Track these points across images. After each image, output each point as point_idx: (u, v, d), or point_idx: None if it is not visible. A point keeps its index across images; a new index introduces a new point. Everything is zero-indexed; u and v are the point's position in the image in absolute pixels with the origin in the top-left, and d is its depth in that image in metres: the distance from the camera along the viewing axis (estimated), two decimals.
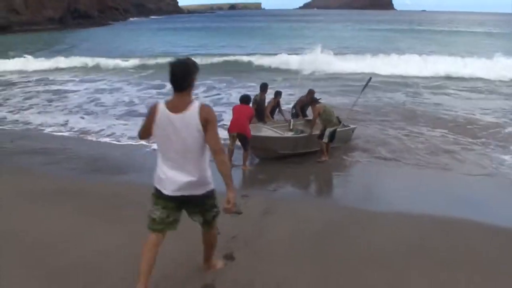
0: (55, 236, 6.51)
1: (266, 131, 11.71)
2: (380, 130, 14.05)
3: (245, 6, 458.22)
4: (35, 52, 39.99)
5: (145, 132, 4.59)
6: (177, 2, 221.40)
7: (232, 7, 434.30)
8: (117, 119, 16.19)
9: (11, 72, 30.12)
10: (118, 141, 13.14)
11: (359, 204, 8.43)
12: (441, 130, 14.05)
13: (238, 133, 10.62)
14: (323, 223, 7.30)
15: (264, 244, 6.34)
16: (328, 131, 11.06)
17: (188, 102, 4.28)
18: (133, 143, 12.60)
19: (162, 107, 4.32)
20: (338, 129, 11.47)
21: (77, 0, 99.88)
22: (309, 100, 12.50)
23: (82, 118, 16.47)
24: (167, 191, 4.48)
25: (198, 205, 4.75)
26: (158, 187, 4.58)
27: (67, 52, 38.90)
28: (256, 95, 12.62)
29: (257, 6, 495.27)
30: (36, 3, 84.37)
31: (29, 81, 26.40)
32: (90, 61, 33.46)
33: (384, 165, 10.88)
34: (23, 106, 18.86)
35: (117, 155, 11.70)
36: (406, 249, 6.41)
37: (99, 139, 13.44)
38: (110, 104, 19.06)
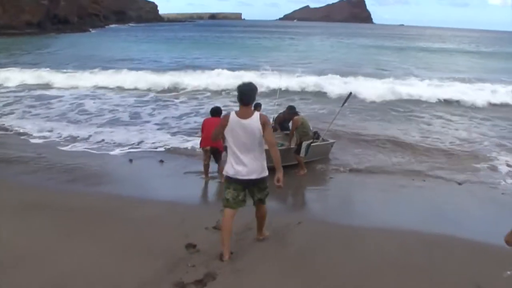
0: (26, 254, 6.26)
1: None
2: (359, 145, 14.00)
3: (225, 17, 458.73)
4: None
5: (219, 135, 6.55)
6: (158, 11, 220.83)
7: (213, 16, 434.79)
8: (98, 127, 15.88)
9: None
10: (96, 150, 12.83)
11: (341, 219, 8.36)
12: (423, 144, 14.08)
13: (211, 147, 10.35)
14: (305, 239, 7.19)
15: (247, 262, 6.19)
16: (304, 144, 10.97)
17: (251, 112, 6.07)
18: (110, 153, 12.39)
19: (233, 115, 6.08)
20: (317, 144, 11.49)
21: (56, 5, 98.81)
22: (288, 116, 12.15)
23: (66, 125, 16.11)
24: (238, 175, 6.12)
25: (257, 186, 6.30)
26: (230, 174, 6.19)
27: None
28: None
29: (237, 17, 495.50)
30: (14, 7, 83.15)
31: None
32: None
33: (363, 179, 10.83)
34: None
35: (93, 164, 11.39)
36: (391, 266, 6.32)
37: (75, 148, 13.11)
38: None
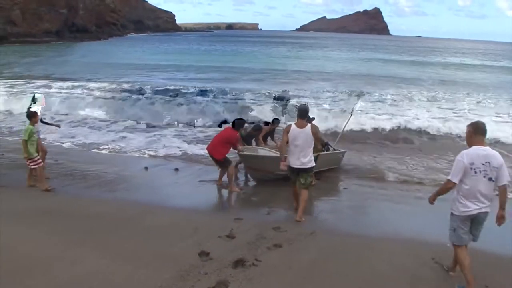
0: (38, 260, 6.34)
1: (262, 151, 11.58)
2: (370, 154, 13.99)
3: (242, 27, 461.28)
4: None
5: (285, 142, 8.69)
6: (175, 20, 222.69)
7: (229, 27, 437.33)
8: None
9: None
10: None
11: (353, 229, 8.36)
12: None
13: (210, 155, 10.76)
14: (318, 249, 7.18)
15: (259, 271, 6.19)
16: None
17: (306, 124, 8.69)
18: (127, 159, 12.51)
19: (293, 126, 8.68)
20: (327, 153, 11.57)
21: (75, 14, 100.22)
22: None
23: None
24: (294, 165, 8.70)
25: (305, 172, 8.77)
26: (290, 164, 8.72)
27: None
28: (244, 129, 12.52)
29: (254, 27, 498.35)
30: (33, 16, 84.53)
31: None
32: None
33: (375, 189, 10.77)
34: None
35: (109, 171, 11.49)
36: (403, 277, 6.30)
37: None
38: None
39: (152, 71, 39.06)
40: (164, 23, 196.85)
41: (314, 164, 8.89)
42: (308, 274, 6.26)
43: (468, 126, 5.99)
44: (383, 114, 20.26)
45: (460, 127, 16.88)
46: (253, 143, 12.61)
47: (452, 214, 6.05)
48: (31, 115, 9.97)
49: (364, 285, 6.02)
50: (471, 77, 41.57)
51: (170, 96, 24.39)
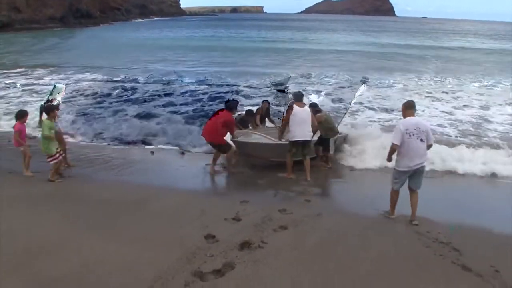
0: (47, 244, 6.39)
1: (257, 137, 11.52)
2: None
3: (247, 10, 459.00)
4: None
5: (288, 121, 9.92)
6: (179, 4, 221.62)
7: (234, 10, 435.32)
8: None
9: None
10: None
11: (359, 211, 8.31)
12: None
13: (209, 141, 10.63)
14: (324, 231, 7.20)
15: (265, 253, 6.22)
16: (332, 140, 11.06)
17: (304, 104, 10.19)
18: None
19: (295, 106, 9.96)
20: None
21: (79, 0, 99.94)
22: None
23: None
24: (302, 138, 9.91)
25: (309, 144, 10.19)
26: (296, 138, 9.91)
27: None
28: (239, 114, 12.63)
29: (259, 10, 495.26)
30: (37, 2, 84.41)
31: None
32: None
33: (383, 171, 10.65)
34: None
35: (115, 156, 11.52)
36: (408, 258, 6.31)
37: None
38: None
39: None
40: (168, 7, 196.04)
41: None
42: (314, 255, 6.29)
43: (402, 105, 7.91)
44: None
45: None
46: (249, 127, 12.59)
47: (395, 169, 7.73)
48: (50, 109, 9.68)
49: (370, 266, 6.04)
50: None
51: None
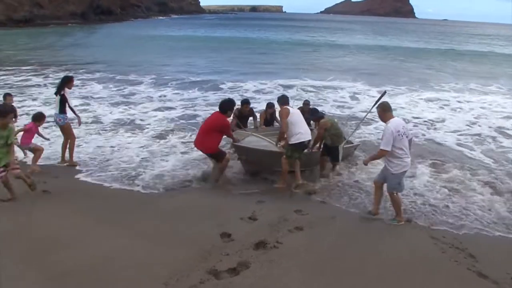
0: (62, 238, 6.51)
1: (262, 142, 10.45)
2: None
3: (266, 9, 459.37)
4: None
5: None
6: (199, 2, 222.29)
7: (253, 9, 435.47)
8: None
9: None
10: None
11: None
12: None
13: (200, 150, 9.71)
14: (339, 233, 7.21)
15: (280, 253, 6.24)
16: (341, 148, 10.00)
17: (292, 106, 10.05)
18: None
19: (288, 107, 9.54)
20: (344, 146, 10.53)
21: None
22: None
23: None
24: (306, 138, 9.43)
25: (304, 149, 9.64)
26: (300, 140, 9.28)
27: None
28: (237, 108, 11.36)
29: (278, 9, 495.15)
30: None
31: None
32: None
33: None
34: None
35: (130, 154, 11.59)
36: (422, 262, 6.29)
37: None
38: None
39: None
40: (188, 5, 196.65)
41: None
42: (329, 257, 6.30)
43: (377, 108, 7.89)
44: None
45: None
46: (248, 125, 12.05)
47: (395, 174, 7.51)
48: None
49: (383, 270, 6.02)
50: None
51: None
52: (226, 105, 9.38)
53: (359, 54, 44.76)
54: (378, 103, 10.48)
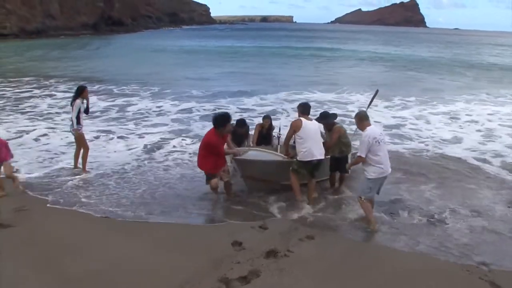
0: (73, 244, 6.57)
1: (260, 153, 9.89)
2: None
3: (277, 19, 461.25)
4: None
5: (295, 131, 8.51)
6: (210, 13, 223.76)
7: (264, 19, 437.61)
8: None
9: None
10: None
11: (386, 222, 8.18)
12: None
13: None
14: (350, 243, 7.25)
15: (291, 262, 6.25)
16: (350, 158, 9.68)
17: (312, 118, 8.85)
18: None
19: (303, 119, 8.58)
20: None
21: (111, 7, 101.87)
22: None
23: None
24: (317, 157, 8.61)
25: (322, 163, 8.90)
26: (311, 158, 8.54)
27: None
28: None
29: (289, 19, 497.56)
30: (71, 9, 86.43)
31: None
32: None
33: (409, 187, 10.45)
34: None
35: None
36: (438, 273, 6.25)
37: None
38: None
39: None
40: (198, 16, 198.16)
41: None
42: (340, 266, 6.30)
43: (355, 117, 8.25)
44: None
45: None
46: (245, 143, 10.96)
47: (369, 179, 7.78)
48: None
49: (395, 281, 5.99)
50: None
51: None
52: (219, 120, 8.48)
53: (370, 65, 44.68)
54: (371, 102, 10.73)
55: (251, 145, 10.77)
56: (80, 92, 10.26)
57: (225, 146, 8.93)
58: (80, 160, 10.56)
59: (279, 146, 10.79)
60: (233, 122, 9.80)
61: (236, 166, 9.58)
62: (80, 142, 10.40)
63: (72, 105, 10.19)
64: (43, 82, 26.63)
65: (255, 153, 9.90)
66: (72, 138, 10.89)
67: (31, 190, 9.08)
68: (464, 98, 24.14)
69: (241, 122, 10.99)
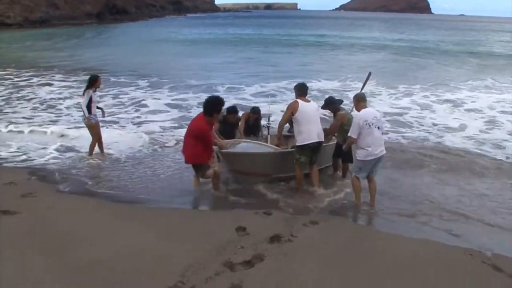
0: (82, 234, 6.58)
1: (249, 145, 9.46)
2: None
3: (281, 6, 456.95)
4: None
5: (293, 113, 8.33)
6: (214, 0, 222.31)
7: (268, 6, 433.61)
8: None
9: None
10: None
11: (390, 210, 8.24)
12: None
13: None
14: (354, 228, 7.38)
15: (295, 247, 6.29)
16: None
17: (309, 100, 8.67)
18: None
19: (300, 101, 8.40)
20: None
21: None
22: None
23: None
24: (315, 140, 8.36)
25: (320, 147, 8.63)
26: (308, 141, 8.33)
27: None
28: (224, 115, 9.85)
29: (293, 7, 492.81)
30: None
31: None
32: None
33: (415, 173, 10.53)
34: None
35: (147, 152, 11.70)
36: (440, 260, 6.27)
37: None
38: None
39: None
40: (202, 3, 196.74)
41: None
42: (343, 251, 6.33)
43: (353, 98, 8.37)
44: None
45: None
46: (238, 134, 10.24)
47: (359, 160, 8.01)
48: None
49: (399, 266, 6.00)
50: None
51: None
52: (210, 105, 7.80)
53: (374, 52, 44.47)
54: (364, 85, 10.68)
55: (239, 135, 10.14)
56: (94, 82, 10.31)
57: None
58: (96, 148, 10.76)
59: (269, 136, 10.38)
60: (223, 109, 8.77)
61: (222, 159, 9.11)
62: (92, 131, 10.48)
63: (83, 94, 10.30)
64: (43, 72, 26.72)
65: (245, 145, 9.39)
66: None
67: (39, 177, 9.18)
68: (470, 85, 24.12)
69: (234, 109, 10.39)
